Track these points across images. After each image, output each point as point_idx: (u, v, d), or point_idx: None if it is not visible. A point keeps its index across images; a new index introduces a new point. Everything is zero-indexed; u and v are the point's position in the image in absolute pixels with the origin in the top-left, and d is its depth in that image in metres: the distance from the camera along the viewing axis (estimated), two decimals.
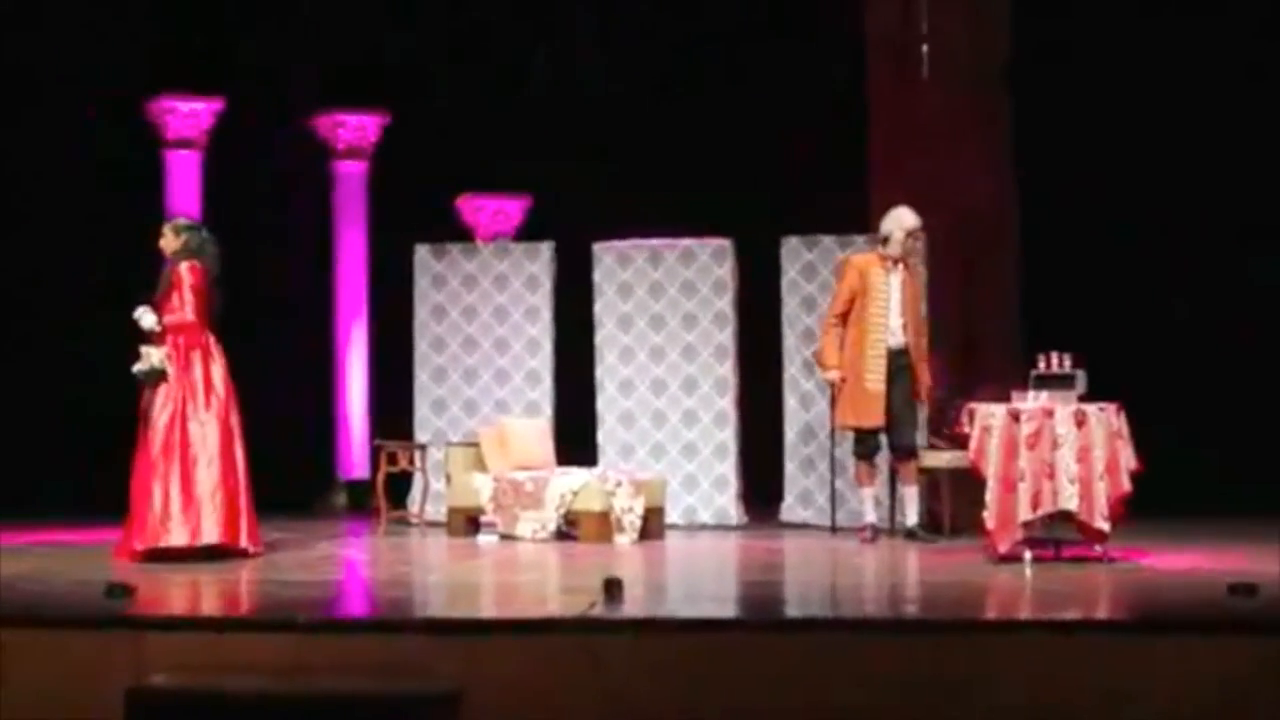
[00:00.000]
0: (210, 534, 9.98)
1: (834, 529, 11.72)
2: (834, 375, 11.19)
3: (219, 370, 10.19)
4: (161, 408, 10.03)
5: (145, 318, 10.20)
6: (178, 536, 9.92)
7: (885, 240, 11.15)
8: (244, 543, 10.07)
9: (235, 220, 12.23)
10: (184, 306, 10.15)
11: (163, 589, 8.71)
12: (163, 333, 10.19)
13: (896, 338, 11.06)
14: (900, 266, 11.11)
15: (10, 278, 13.78)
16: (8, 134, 13.71)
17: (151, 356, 10.11)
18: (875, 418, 10.99)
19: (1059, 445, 9.63)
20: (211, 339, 10.25)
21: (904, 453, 11.07)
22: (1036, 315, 12.49)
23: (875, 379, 10.99)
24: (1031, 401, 9.87)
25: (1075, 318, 12.16)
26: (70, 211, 14.01)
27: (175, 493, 9.95)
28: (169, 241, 10.40)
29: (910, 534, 10.96)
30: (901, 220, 11.11)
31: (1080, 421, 9.66)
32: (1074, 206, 13.15)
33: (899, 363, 11.05)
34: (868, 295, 11.07)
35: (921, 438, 11.47)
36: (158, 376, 10.10)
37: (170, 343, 10.16)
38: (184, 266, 10.23)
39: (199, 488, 10.00)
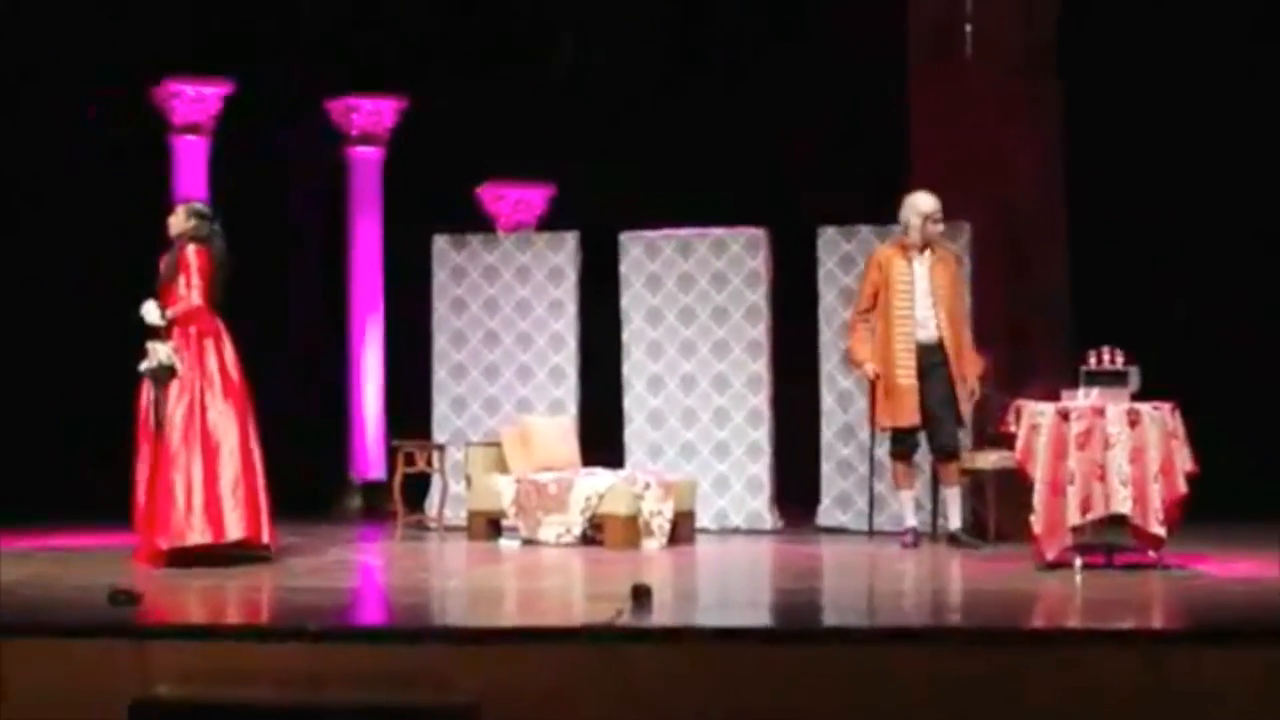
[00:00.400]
0: (234, 530, 10.00)
1: (872, 533, 11.68)
2: (869, 369, 11.15)
3: (232, 356, 10.19)
4: (177, 400, 10.01)
5: (150, 313, 10.18)
6: (203, 534, 9.92)
7: (906, 229, 11.13)
8: (265, 538, 10.09)
9: (244, 209, 12.22)
10: (190, 290, 10.13)
11: (169, 595, 8.72)
12: (170, 326, 10.17)
13: (926, 330, 11.00)
14: (927, 254, 11.03)
15: (8, 273, 13.81)
16: (4, 121, 13.74)
17: (159, 353, 10.07)
18: (908, 416, 10.96)
19: (1111, 445, 9.59)
20: (221, 324, 10.24)
21: (943, 453, 11.02)
22: (1087, 308, 12.44)
23: (905, 375, 10.95)
24: (1082, 399, 9.82)
25: (1128, 311, 12.10)
26: (71, 202, 14.04)
27: (198, 488, 9.95)
28: (178, 222, 10.37)
29: (953, 539, 10.92)
30: (917, 205, 11.09)
31: (1133, 421, 9.61)
32: (1127, 194, 13.09)
33: (932, 358, 10.99)
34: (890, 288, 11.04)
35: (966, 437, 11.43)
36: (167, 374, 10.07)
37: (179, 333, 10.13)
38: (190, 249, 10.23)
39: (221, 481, 10.01)
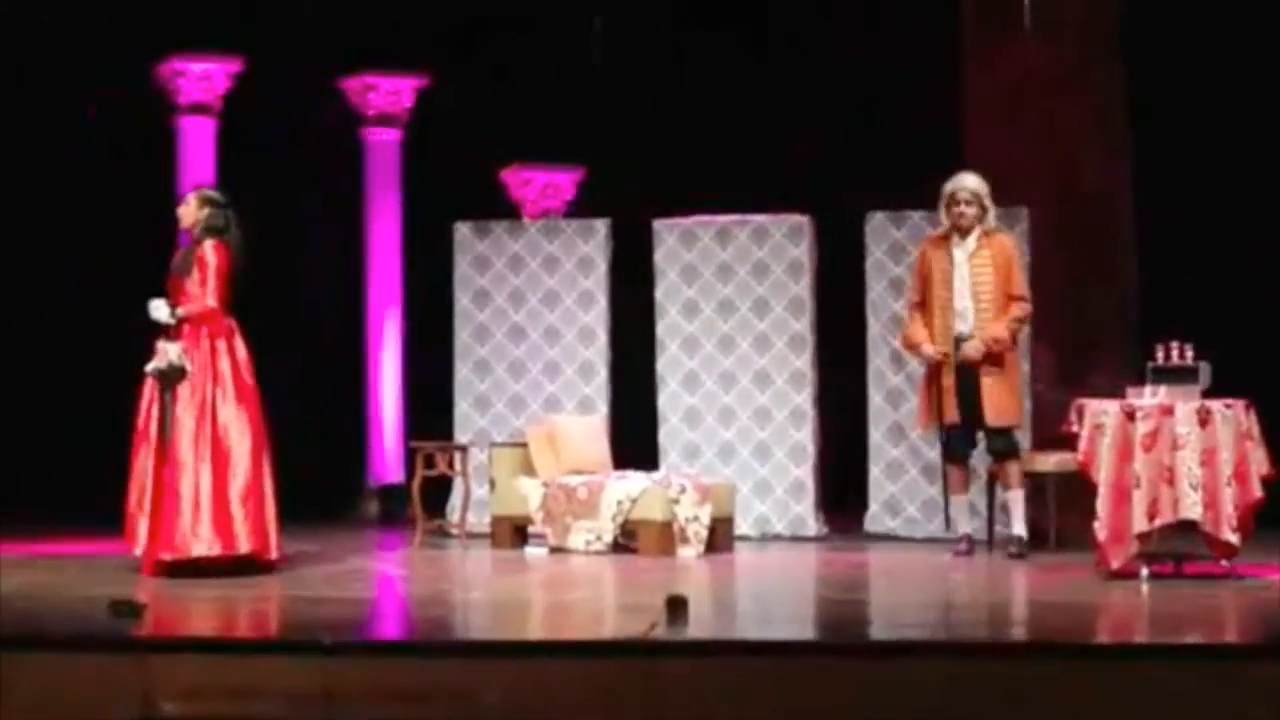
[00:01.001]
0: (244, 543, 10.00)
1: (924, 540, 11.67)
2: (926, 348, 11.03)
3: (244, 359, 10.19)
4: (186, 404, 10.01)
5: (159, 310, 10.14)
6: (211, 546, 9.92)
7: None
8: (274, 553, 10.11)
9: (255, 196, 12.25)
10: (204, 290, 10.11)
11: (174, 607, 8.75)
12: (179, 325, 10.15)
13: (966, 322, 10.92)
14: (970, 241, 10.94)
15: (3, 269, 13.88)
16: None
17: (169, 353, 10.04)
18: (950, 414, 10.90)
19: (1180, 447, 9.55)
20: (234, 325, 10.24)
21: (997, 455, 10.99)
22: (1154, 299, 12.40)
23: (945, 370, 10.91)
24: (1149, 397, 9.79)
25: (1198, 304, 12.06)
26: (67, 188, 14.09)
27: (206, 498, 9.94)
28: (191, 212, 10.33)
29: (1011, 548, 10.86)
30: (944, 187, 11.05)
31: (1204, 420, 9.58)
32: (1196, 180, 13.05)
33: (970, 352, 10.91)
34: (931, 277, 11.02)
35: (1025, 437, 11.39)
36: (177, 375, 10.05)
37: (189, 333, 10.13)
38: (208, 245, 10.19)
39: (231, 491, 10.01)
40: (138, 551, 9.99)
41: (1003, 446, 10.97)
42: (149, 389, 10.14)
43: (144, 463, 10.06)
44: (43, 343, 14.03)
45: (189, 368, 10.06)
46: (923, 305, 11.09)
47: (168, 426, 10.03)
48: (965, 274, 10.93)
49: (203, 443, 9.99)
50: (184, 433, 9.99)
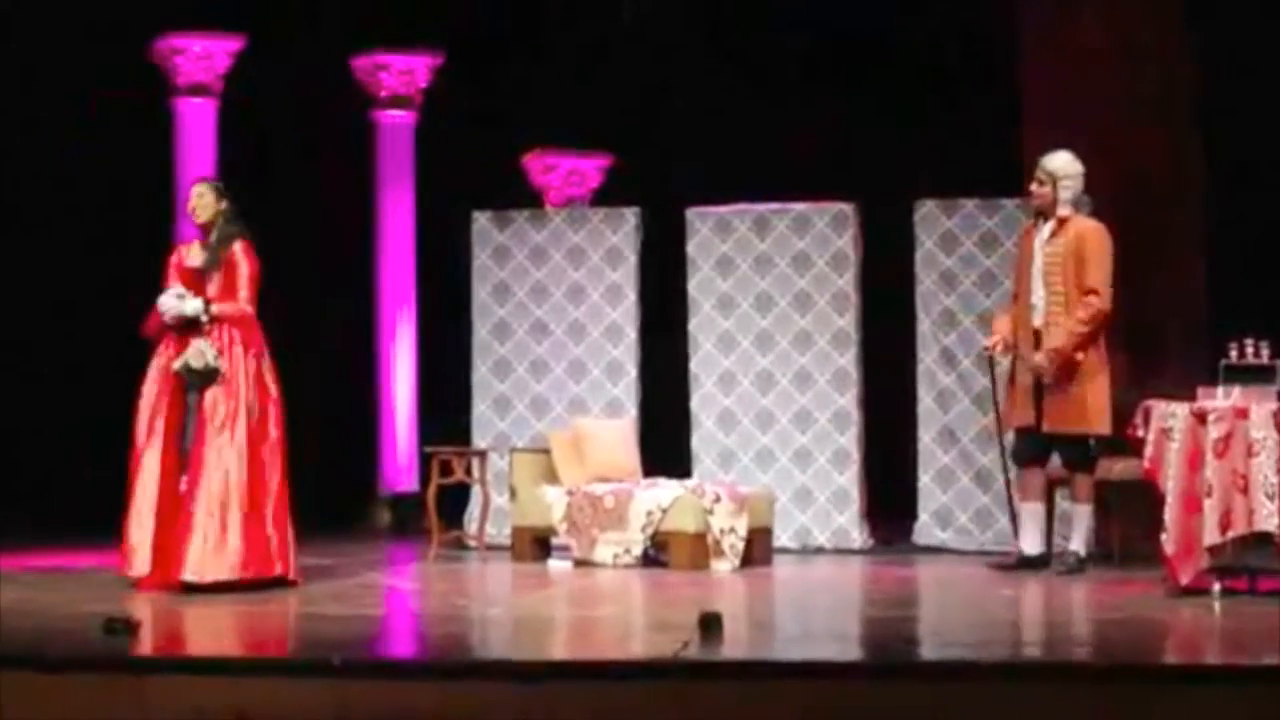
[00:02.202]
0: (277, 565, 10.09)
1: (977, 553, 11.66)
2: (989, 340, 11.07)
3: (271, 373, 10.21)
4: (216, 412, 10.00)
5: (190, 303, 10.11)
6: (242, 569, 9.95)
7: None
8: (292, 573, 10.19)
9: (257, 183, 12.29)
10: (239, 296, 10.13)
11: (172, 624, 8.77)
12: (209, 324, 10.17)
13: (1039, 316, 10.88)
14: (1053, 225, 10.88)
15: None
16: None
17: (206, 353, 10.03)
18: (1021, 416, 10.89)
19: (1255, 453, 9.52)
20: (264, 337, 10.25)
21: (1067, 463, 10.97)
22: (1227, 293, 12.36)
23: (1022, 368, 10.92)
24: (1221, 399, 9.76)
25: (1275, 297, 12.02)
26: (61, 174, 14.13)
27: (235, 519, 9.94)
28: (210, 205, 10.24)
29: (1059, 565, 10.80)
30: (1036, 169, 11.00)
31: None
32: (1271, 163, 13.00)
33: (1044, 348, 10.84)
34: (1019, 267, 11.03)
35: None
36: (210, 377, 10.04)
37: (215, 335, 10.12)
38: (240, 247, 10.18)
39: (266, 510, 10.05)
40: (137, 571, 9.95)
41: (1067, 457, 10.92)
42: (155, 391, 10.10)
43: (151, 473, 10.03)
44: (30, 340, 14.06)
45: (224, 369, 10.08)
46: (1016, 297, 11.07)
47: (191, 433, 10.03)
48: (1040, 263, 10.87)
49: (233, 456, 9.99)
50: (212, 443, 9.98)
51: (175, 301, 10.10)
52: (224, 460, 9.96)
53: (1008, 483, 11.39)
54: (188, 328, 10.10)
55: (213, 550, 9.88)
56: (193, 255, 10.28)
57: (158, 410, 10.09)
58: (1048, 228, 10.88)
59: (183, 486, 9.99)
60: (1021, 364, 10.92)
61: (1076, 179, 10.85)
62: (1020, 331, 10.91)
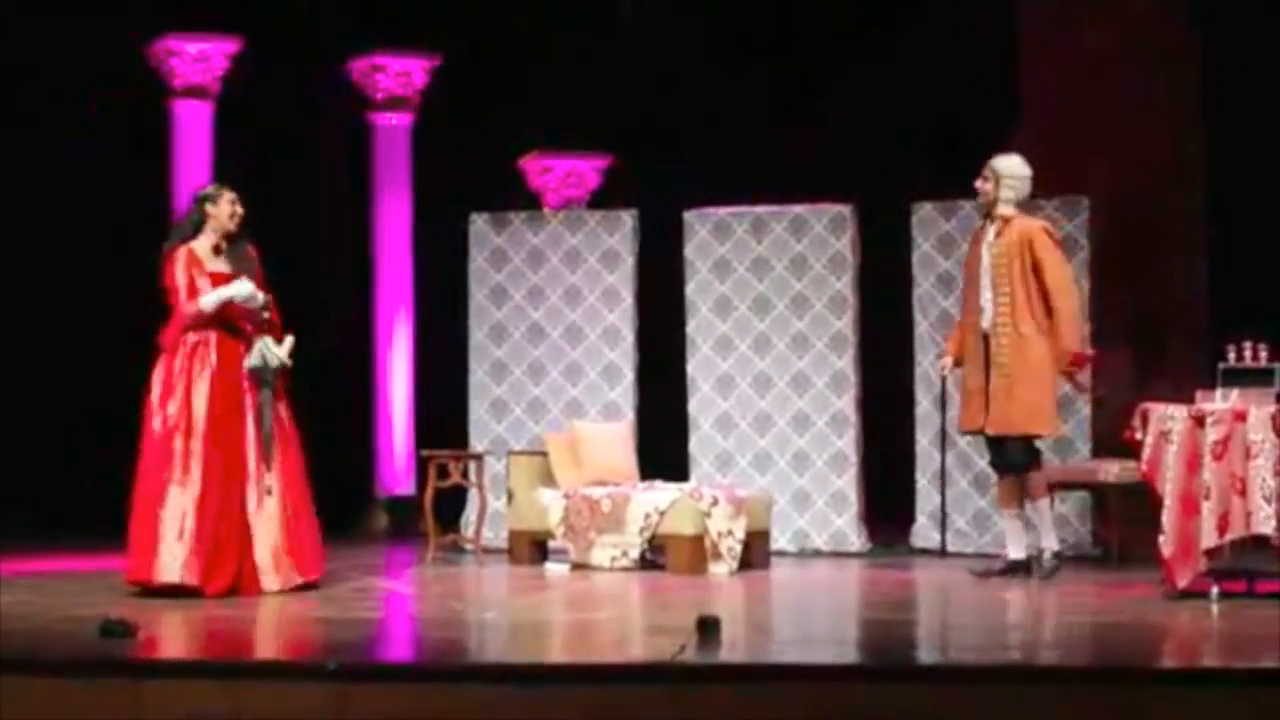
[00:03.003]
0: (320, 566, 10.34)
1: (975, 556, 11.66)
2: (942, 361, 11.11)
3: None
4: (273, 417, 10.13)
5: (258, 296, 10.18)
6: (312, 570, 10.21)
7: None
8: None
9: (255, 184, 12.29)
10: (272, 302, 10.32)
11: (169, 627, 8.78)
12: (268, 322, 10.23)
13: (987, 318, 10.78)
14: (997, 225, 10.75)
15: None
16: None
17: (279, 351, 10.15)
18: (971, 420, 10.83)
19: (1253, 455, 9.53)
20: None
21: (1002, 469, 10.84)
22: (1226, 295, 12.38)
23: (973, 372, 10.84)
24: (1219, 401, 9.77)
25: (1274, 299, 12.04)
26: (57, 176, 14.13)
27: (307, 520, 10.22)
28: (238, 212, 10.32)
29: (1039, 567, 10.77)
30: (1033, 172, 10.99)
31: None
32: (1273, 163, 13.01)
33: (989, 351, 10.73)
34: (968, 269, 10.96)
35: (1084, 443, 11.37)
36: (279, 374, 10.17)
37: (254, 335, 10.22)
38: (254, 251, 10.36)
39: (313, 512, 10.32)
40: (170, 578, 9.85)
41: (1012, 459, 10.75)
42: (210, 393, 10.09)
43: (204, 479, 9.97)
44: (27, 342, 14.07)
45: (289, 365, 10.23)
46: (966, 300, 11.02)
47: (270, 431, 10.12)
48: (986, 263, 10.77)
49: (296, 456, 10.24)
50: (291, 442, 10.21)
51: (244, 290, 10.15)
52: (295, 461, 10.22)
53: (943, 485, 11.30)
54: (227, 327, 10.15)
55: (295, 552, 10.11)
56: (212, 260, 10.25)
57: (217, 413, 10.03)
58: (992, 229, 10.78)
59: (268, 484, 10.10)
60: (971, 368, 10.84)
61: (1020, 181, 10.75)
62: (969, 336, 10.83)
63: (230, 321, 10.14)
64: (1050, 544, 10.82)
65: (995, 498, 11.20)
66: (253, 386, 10.14)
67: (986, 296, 10.73)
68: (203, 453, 9.96)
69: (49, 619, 8.93)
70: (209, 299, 10.06)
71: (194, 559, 9.83)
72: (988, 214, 10.81)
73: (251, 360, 10.10)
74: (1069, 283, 10.71)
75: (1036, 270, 10.64)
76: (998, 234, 10.74)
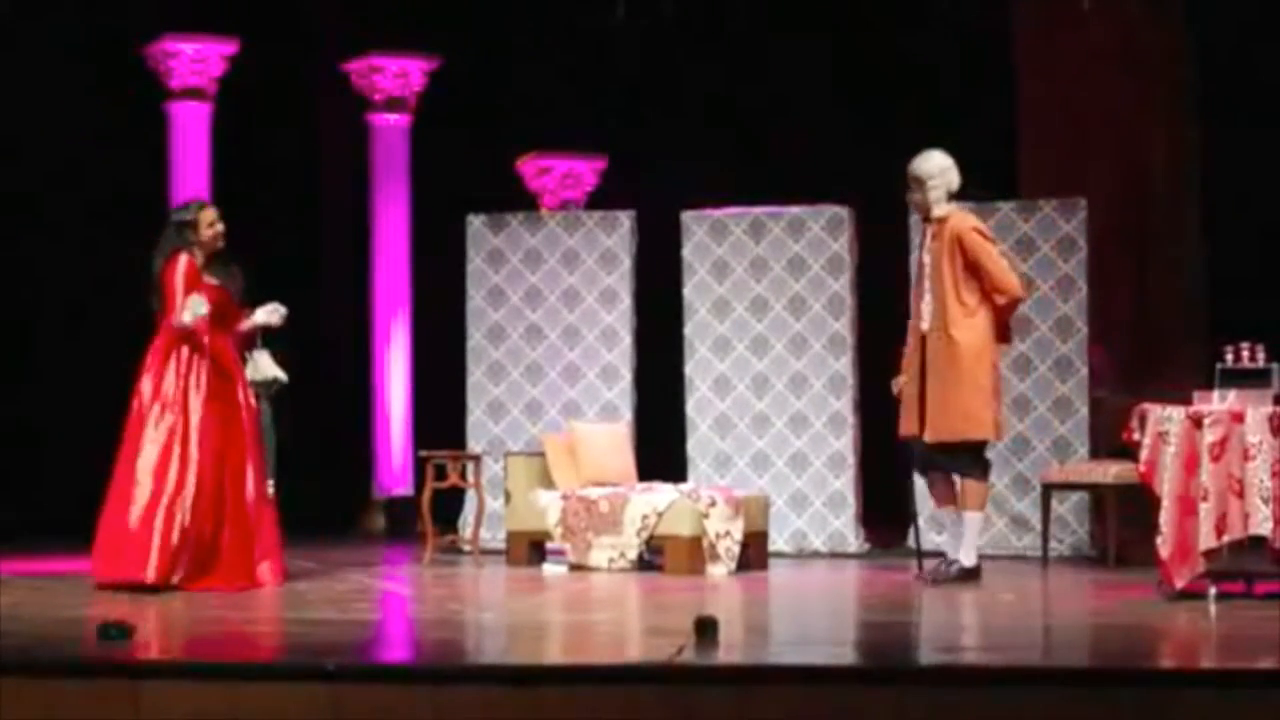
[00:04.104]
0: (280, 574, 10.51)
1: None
2: (895, 381, 10.86)
3: None
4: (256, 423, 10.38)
5: (279, 377, 10.60)
6: (277, 579, 10.39)
7: None
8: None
9: (251, 186, 12.32)
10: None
11: (167, 628, 8.78)
12: (253, 333, 10.46)
13: (925, 321, 10.66)
14: (933, 227, 10.62)
15: None
16: None
17: (275, 366, 10.55)
18: (906, 423, 10.71)
19: (1251, 457, 9.52)
20: None
21: (954, 470, 10.67)
22: (1224, 296, 12.38)
23: (910, 377, 10.72)
24: (1217, 403, 9.77)
25: (1271, 301, 12.04)
26: (55, 178, 14.13)
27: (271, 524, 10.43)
28: (220, 224, 10.44)
29: (950, 570, 10.55)
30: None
31: (1277, 428, 9.55)
32: (1271, 164, 13.02)
33: (929, 356, 10.59)
34: (916, 273, 10.86)
35: (1082, 443, 11.36)
36: (276, 386, 10.51)
37: (237, 347, 10.42)
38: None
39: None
40: (156, 577, 10.02)
41: (950, 464, 10.63)
42: (205, 400, 10.18)
43: (198, 482, 10.12)
44: (25, 343, 14.07)
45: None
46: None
47: (273, 442, 10.50)
48: (926, 267, 10.68)
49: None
50: (271, 457, 10.51)
51: (275, 312, 10.44)
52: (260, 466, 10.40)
53: (907, 490, 11.26)
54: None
55: (273, 554, 10.37)
56: (206, 272, 10.32)
57: (206, 415, 10.18)
58: (930, 231, 10.68)
59: (270, 489, 10.42)
60: (910, 373, 10.68)
61: (942, 175, 10.58)
62: (912, 341, 10.78)
63: (224, 331, 10.29)
64: (965, 558, 10.58)
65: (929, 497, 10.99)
66: (256, 398, 10.40)
67: (926, 300, 10.63)
68: (198, 459, 10.11)
69: (47, 620, 8.93)
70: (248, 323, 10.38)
71: (180, 558, 10.03)
72: (924, 218, 10.73)
73: (254, 374, 10.33)
74: (1004, 276, 10.49)
75: (972, 269, 10.51)
76: (934, 236, 10.63)
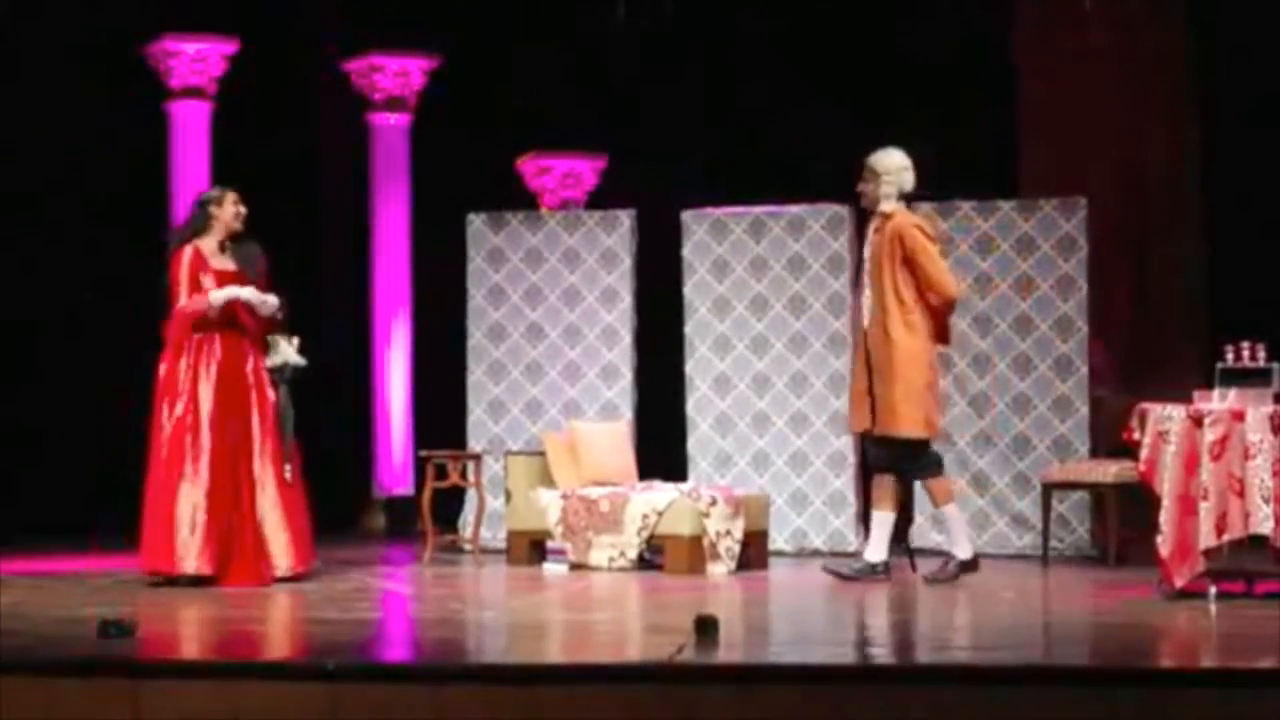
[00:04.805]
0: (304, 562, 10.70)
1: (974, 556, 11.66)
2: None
3: None
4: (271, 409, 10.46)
5: (269, 301, 10.47)
6: (292, 567, 10.55)
7: None
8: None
9: (250, 186, 12.30)
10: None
11: (168, 627, 8.78)
12: (279, 322, 10.55)
13: (865, 317, 10.67)
14: (877, 221, 10.60)
15: None
16: None
17: (294, 352, 10.63)
18: (858, 420, 10.72)
19: (1251, 456, 9.52)
20: None
21: (900, 469, 10.69)
22: (1224, 295, 12.38)
23: (856, 372, 10.71)
24: (1217, 402, 9.77)
25: (1271, 299, 12.04)
26: (55, 178, 14.12)
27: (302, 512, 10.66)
28: (241, 213, 10.58)
29: (950, 569, 10.59)
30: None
31: (1277, 427, 9.55)
32: (1271, 163, 13.02)
33: (869, 351, 10.60)
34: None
35: (1087, 444, 11.35)
36: (295, 372, 10.59)
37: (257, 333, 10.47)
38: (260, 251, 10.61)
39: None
40: (186, 569, 10.12)
41: (900, 464, 10.64)
42: (168, 387, 10.20)
43: (218, 471, 10.21)
44: (25, 343, 14.06)
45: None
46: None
47: (290, 429, 10.55)
48: (867, 262, 10.66)
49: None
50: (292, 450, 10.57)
51: (267, 300, 10.45)
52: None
53: (867, 488, 11.27)
54: (231, 324, 10.39)
55: (297, 542, 10.51)
56: (217, 257, 10.37)
57: (222, 408, 10.27)
58: (873, 225, 10.67)
59: (288, 475, 10.50)
60: (857, 368, 10.67)
61: (898, 174, 10.58)
62: (854, 335, 10.76)
63: (234, 318, 10.35)
64: (961, 552, 10.61)
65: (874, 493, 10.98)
66: (271, 384, 10.49)
67: (867, 294, 10.62)
68: (210, 447, 10.20)
69: (48, 619, 8.93)
70: (217, 295, 10.26)
71: (206, 550, 10.12)
72: (872, 212, 10.70)
73: (272, 359, 10.36)
74: (940, 275, 10.48)
75: (910, 266, 10.48)
76: (876, 230, 10.62)
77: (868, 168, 10.62)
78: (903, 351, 10.47)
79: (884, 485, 10.67)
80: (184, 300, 10.24)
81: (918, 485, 11.33)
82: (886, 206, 10.58)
